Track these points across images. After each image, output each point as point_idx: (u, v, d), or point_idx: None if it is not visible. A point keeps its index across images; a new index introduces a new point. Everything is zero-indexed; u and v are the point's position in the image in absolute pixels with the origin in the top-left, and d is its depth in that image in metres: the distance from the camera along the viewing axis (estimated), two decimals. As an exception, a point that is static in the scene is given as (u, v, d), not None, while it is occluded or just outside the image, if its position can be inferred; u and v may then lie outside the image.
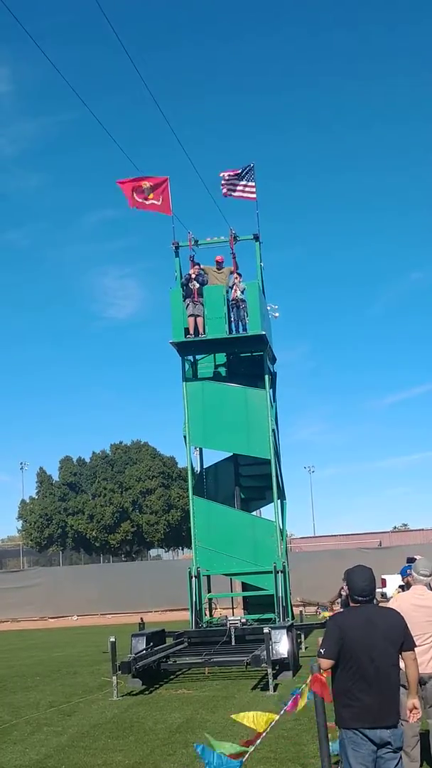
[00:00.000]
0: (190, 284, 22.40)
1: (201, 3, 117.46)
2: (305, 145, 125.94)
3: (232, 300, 22.40)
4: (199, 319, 22.30)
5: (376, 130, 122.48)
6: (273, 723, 5.29)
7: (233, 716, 5.19)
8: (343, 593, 25.26)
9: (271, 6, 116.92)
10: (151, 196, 22.03)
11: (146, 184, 22.09)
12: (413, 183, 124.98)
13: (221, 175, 23.30)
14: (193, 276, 22.52)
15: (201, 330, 22.31)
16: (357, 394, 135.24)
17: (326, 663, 6.18)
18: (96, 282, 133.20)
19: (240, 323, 22.44)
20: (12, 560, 73.98)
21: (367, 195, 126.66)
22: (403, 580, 13.18)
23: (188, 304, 22.36)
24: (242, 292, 22.40)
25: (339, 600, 25.89)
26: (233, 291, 22.48)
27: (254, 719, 5.58)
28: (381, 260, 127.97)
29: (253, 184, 23.26)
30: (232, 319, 22.47)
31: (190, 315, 22.35)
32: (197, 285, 22.36)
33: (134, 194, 22.14)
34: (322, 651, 6.19)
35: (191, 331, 22.40)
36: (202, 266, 23.05)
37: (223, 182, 23.29)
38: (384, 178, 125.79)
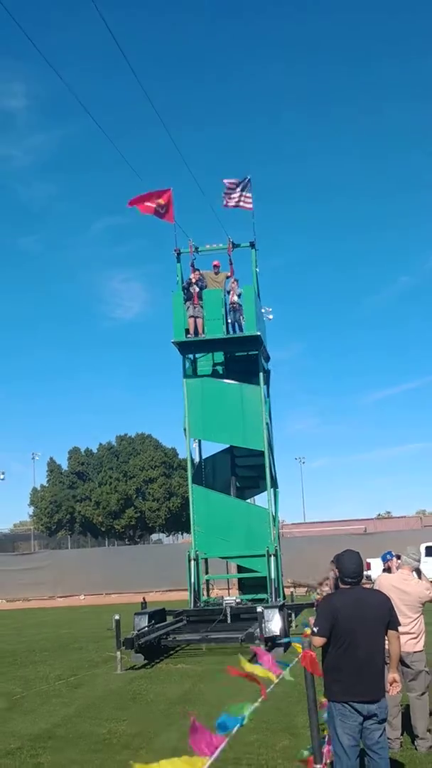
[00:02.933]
0: (191, 288, 22.38)
1: (204, 20, 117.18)
2: (303, 162, 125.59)
3: (230, 303, 22.44)
4: (199, 321, 22.31)
5: (376, 147, 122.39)
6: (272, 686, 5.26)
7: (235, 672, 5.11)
8: (332, 575, 25.40)
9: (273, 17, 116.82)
10: (162, 203, 22.01)
11: (159, 201, 22.02)
12: (399, 192, 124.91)
13: (225, 182, 23.21)
14: (194, 281, 22.52)
15: (200, 330, 22.31)
16: (346, 391, 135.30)
17: (319, 641, 6.17)
18: (104, 285, 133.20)
19: (236, 325, 22.50)
20: (23, 544, 73.92)
21: (354, 207, 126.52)
22: (384, 565, 13.18)
23: (188, 307, 22.37)
24: (239, 297, 22.48)
25: (327, 582, 25.97)
26: (230, 295, 22.52)
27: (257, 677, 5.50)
28: (371, 266, 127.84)
29: (250, 195, 23.22)
30: (230, 320, 22.51)
31: (191, 316, 22.35)
32: (197, 289, 22.37)
33: (146, 203, 22.09)
34: (315, 629, 6.18)
35: (191, 332, 22.39)
36: (201, 271, 23.05)
37: (225, 191, 23.23)
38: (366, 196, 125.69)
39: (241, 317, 22.43)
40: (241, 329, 22.46)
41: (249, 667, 4.98)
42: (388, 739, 7.30)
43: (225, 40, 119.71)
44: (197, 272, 22.96)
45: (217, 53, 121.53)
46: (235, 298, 22.42)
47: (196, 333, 22.36)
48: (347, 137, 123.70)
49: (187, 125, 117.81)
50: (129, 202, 22.19)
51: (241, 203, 23.10)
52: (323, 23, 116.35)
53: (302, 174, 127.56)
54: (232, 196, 23.08)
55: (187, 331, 22.48)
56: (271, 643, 17.09)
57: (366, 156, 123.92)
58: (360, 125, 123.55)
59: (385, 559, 12.91)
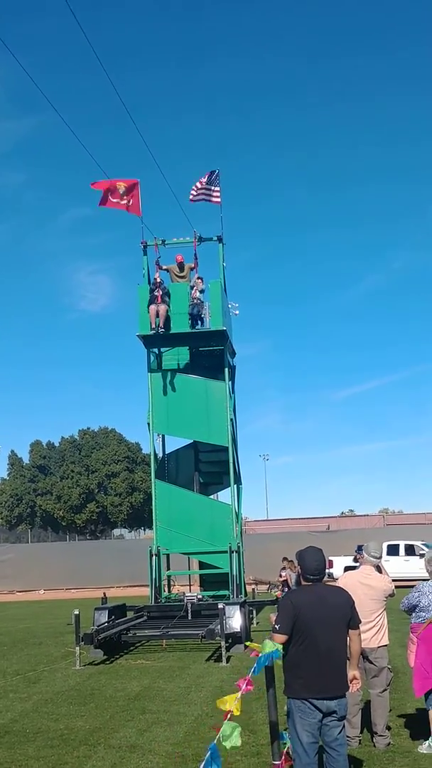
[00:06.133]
0: (155, 291, 22.04)
1: (170, 12, 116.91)
2: (272, 156, 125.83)
3: (192, 298, 22.33)
4: (162, 310, 21.91)
5: (345, 141, 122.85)
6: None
7: (218, 702, 5.26)
8: (283, 574, 25.49)
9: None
10: (124, 197, 21.89)
11: (121, 187, 21.92)
12: (369, 186, 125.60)
13: (196, 184, 23.21)
14: (158, 282, 22.21)
15: (161, 324, 21.91)
16: (311, 388, 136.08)
17: (280, 638, 6.17)
18: (70, 276, 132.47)
19: (198, 320, 22.40)
20: (-17, 537, 73.43)
21: (322, 202, 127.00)
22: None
23: (151, 306, 22.10)
24: (201, 292, 22.38)
25: (280, 581, 26.05)
26: (193, 290, 22.43)
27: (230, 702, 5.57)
28: (339, 262, 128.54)
29: (218, 189, 23.21)
30: (191, 315, 22.34)
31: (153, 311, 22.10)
32: (161, 292, 22.03)
33: (109, 196, 21.99)
34: (277, 627, 6.19)
35: (152, 323, 21.99)
36: (166, 266, 22.98)
37: (194, 190, 23.19)
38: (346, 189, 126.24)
39: (203, 312, 22.36)
40: (202, 324, 22.41)
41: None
42: (348, 737, 7.34)
43: (194, 32, 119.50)
44: (163, 268, 22.90)
45: (186, 44, 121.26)
46: (197, 294, 22.34)
47: (157, 326, 21.99)
48: (316, 129, 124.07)
49: (156, 117, 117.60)
50: (92, 184, 22.08)
51: (209, 197, 23.08)
52: (287, 17, 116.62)
53: (270, 169, 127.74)
54: (200, 189, 23.07)
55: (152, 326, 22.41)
56: (232, 639, 17.14)
57: (334, 148, 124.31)
58: (331, 116, 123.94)
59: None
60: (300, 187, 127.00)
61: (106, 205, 22.06)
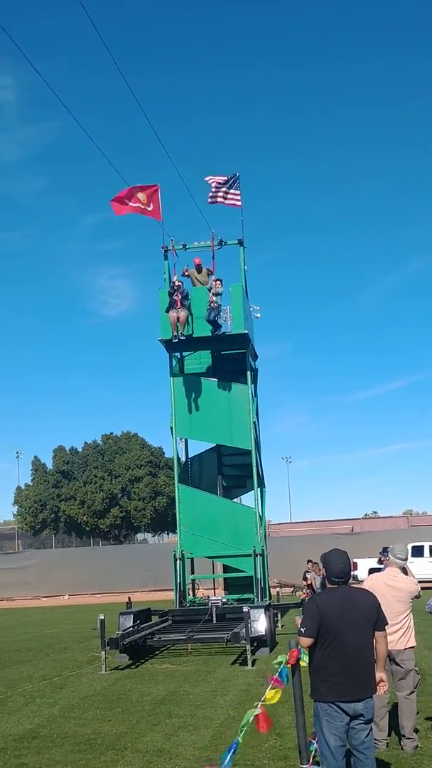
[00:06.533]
0: (174, 296, 21.86)
1: (190, 16, 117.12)
2: (291, 158, 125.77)
3: (210, 302, 22.08)
4: (182, 316, 21.78)
5: (365, 144, 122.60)
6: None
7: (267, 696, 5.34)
8: (308, 576, 25.42)
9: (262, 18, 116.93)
10: (144, 201, 21.86)
11: (141, 194, 21.85)
12: (390, 191, 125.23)
13: (207, 180, 23.16)
14: (177, 286, 21.96)
15: (182, 329, 21.81)
16: (334, 390, 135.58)
17: (306, 641, 6.16)
18: (91, 282, 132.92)
19: (215, 323, 22.01)
20: (8, 543, 73.79)
21: (344, 205, 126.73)
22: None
23: (170, 313, 21.94)
24: (216, 295, 21.96)
25: (305, 584, 25.98)
26: (210, 294, 22.12)
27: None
28: (358, 265, 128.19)
29: (239, 192, 23.20)
30: (209, 319, 22.07)
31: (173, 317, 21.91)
32: (180, 296, 21.83)
33: (128, 201, 21.91)
34: (302, 630, 6.17)
35: (173, 329, 21.86)
36: (188, 272, 22.85)
37: (212, 188, 23.13)
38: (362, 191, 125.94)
39: (219, 315, 22.03)
40: (218, 329, 22.23)
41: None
42: (375, 740, 7.32)
43: (212, 34, 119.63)
44: (186, 274, 22.80)
45: (206, 46, 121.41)
46: (213, 297, 22.10)
47: (178, 332, 21.86)
48: (338, 133, 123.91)
49: (175, 120, 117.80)
50: (112, 199, 21.98)
51: (229, 201, 23.06)
52: (314, 19, 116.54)
53: (292, 170, 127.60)
54: (220, 193, 23.04)
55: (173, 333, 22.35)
56: (257, 643, 17.11)
57: (357, 152, 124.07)
58: (353, 121, 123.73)
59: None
60: (320, 189, 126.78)
61: (125, 212, 22.00)
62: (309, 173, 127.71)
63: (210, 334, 22.22)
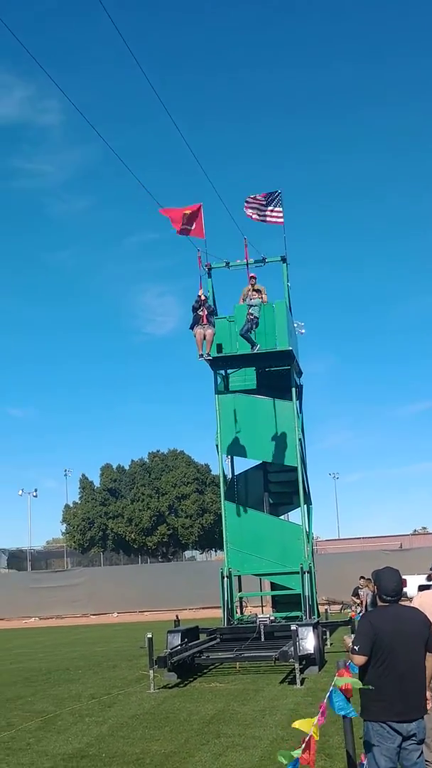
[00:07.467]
0: (199, 311, 20.60)
1: (229, 29, 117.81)
2: (331, 168, 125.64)
3: (248, 315, 21.37)
4: (208, 337, 20.56)
5: (404, 152, 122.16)
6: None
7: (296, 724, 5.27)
8: (361, 593, 25.18)
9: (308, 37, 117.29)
10: (188, 221, 21.82)
11: (186, 213, 21.76)
12: None
13: (247, 199, 23.12)
14: (203, 300, 20.73)
15: (208, 347, 20.58)
16: (381, 403, 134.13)
17: (360, 659, 6.07)
18: (136, 300, 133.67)
19: (248, 338, 21.32)
20: (57, 561, 74.14)
21: (391, 215, 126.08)
22: None
23: (196, 330, 20.59)
24: (252, 306, 21.30)
25: (356, 600, 25.74)
26: (249, 308, 21.72)
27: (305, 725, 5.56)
28: (407, 271, 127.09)
29: (281, 209, 23.13)
30: (242, 331, 21.42)
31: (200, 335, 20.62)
32: (206, 312, 20.63)
33: (173, 223, 21.85)
34: (356, 648, 6.09)
35: (199, 350, 20.55)
36: (255, 286, 22.43)
37: (247, 205, 23.01)
38: (407, 199, 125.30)
39: (253, 329, 21.20)
40: (252, 344, 21.35)
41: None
42: (426, 762, 7.17)
43: (249, 46, 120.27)
44: (254, 281, 22.15)
45: (242, 58, 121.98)
46: (250, 309, 21.37)
47: (204, 352, 20.54)
48: (375, 139, 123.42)
49: (215, 135, 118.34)
50: (161, 210, 21.83)
51: (271, 218, 23.00)
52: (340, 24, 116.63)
53: (332, 178, 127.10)
54: (262, 210, 22.98)
55: (219, 347, 22.22)
56: (305, 661, 16.95)
57: (399, 155, 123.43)
58: (390, 126, 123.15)
59: None
60: (363, 194, 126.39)
61: (181, 233, 21.71)
62: (353, 179, 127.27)
63: (254, 351, 22.09)
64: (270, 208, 22.92)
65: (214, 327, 20.82)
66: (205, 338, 20.48)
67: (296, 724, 5.38)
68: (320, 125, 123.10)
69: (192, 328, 20.72)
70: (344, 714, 6.21)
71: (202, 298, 20.73)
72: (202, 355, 20.57)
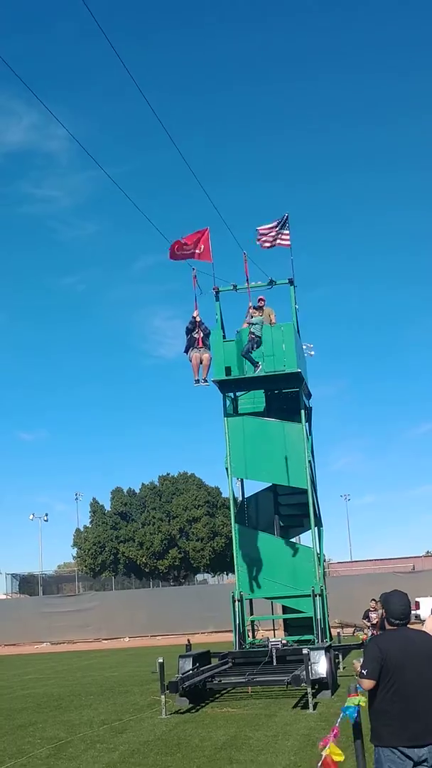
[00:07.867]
0: (195, 333, 20.44)
1: (231, 51, 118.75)
2: (336, 188, 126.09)
3: (250, 335, 21.53)
4: (205, 361, 20.40)
5: (408, 170, 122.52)
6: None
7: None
8: (372, 616, 25.01)
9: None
10: (194, 245, 21.81)
11: (190, 244, 21.18)
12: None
13: (258, 229, 23.18)
14: (199, 322, 20.56)
15: (205, 372, 20.43)
16: (391, 425, 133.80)
17: (368, 683, 6.03)
18: (146, 323, 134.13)
19: (249, 358, 21.48)
20: (68, 585, 73.89)
21: (402, 231, 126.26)
22: None
23: (192, 353, 20.40)
24: (252, 326, 21.38)
25: (368, 622, 25.57)
26: (250, 328, 21.67)
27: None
28: (418, 287, 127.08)
29: (288, 232, 23.21)
30: (243, 352, 21.52)
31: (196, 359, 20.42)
32: (201, 334, 20.63)
33: (177, 250, 21.68)
34: (364, 672, 6.05)
35: (195, 375, 20.33)
36: (261, 308, 22.39)
37: (259, 237, 23.11)
38: (414, 216, 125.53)
39: (253, 349, 21.40)
40: (254, 364, 21.52)
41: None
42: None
43: (247, 67, 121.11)
44: (256, 304, 22.17)
45: (247, 82, 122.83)
46: (251, 329, 21.46)
47: (201, 377, 20.39)
48: (382, 153, 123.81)
49: (218, 160, 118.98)
50: (170, 255, 21.31)
51: (278, 241, 23.08)
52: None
53: (338, 198, 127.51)
54: (269, 235, 23.07)
55: (228, 370, 22.27)
56: (318, 685, 16.82)
57: (404, 170, 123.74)
58: (397, 143, 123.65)
59: None
60: (373, 209, 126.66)
61: (177, 258, 21.64)
62: (364, 191, 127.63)
63: (264, 373, 22.11)
64: (278, 231, 23.02)
65: (210, 350, 20.60)
66: (201, 362, 20.25)
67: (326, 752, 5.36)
68: (324, 142, 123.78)
69: (187, 351, 20.49)
70: (353, 720, 6.17)
71: (197, 319, 20.50)
72: (198, 381, 20.37)
